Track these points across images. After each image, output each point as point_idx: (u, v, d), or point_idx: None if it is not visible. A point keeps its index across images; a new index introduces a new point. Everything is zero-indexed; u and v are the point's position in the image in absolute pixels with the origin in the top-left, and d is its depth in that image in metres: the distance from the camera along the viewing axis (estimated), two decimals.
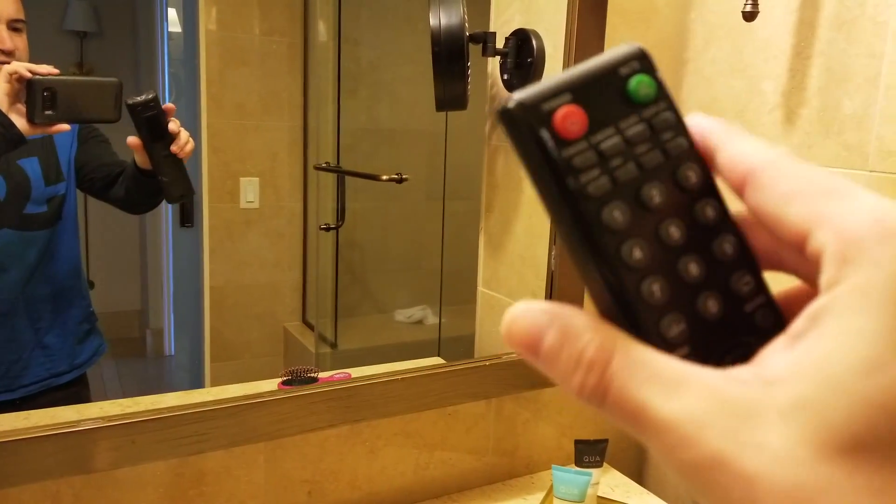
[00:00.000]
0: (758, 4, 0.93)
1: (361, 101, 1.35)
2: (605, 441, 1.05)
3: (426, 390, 0.97)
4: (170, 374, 1.21)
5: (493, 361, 1.03)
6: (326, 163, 1.27)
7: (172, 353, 1.20)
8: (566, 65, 1.02)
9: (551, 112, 0.17)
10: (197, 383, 1.15)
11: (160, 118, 0.85)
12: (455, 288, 1.36)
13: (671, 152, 0.18)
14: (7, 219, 0.86)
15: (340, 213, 1.29)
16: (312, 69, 1.22)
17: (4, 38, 0.81)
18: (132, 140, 0.86)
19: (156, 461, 0.81)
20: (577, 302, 1.11)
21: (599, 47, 1.03)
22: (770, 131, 1.02)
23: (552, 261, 1.06)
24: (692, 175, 0.18)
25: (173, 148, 0.87)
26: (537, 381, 1.07)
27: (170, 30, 1.12)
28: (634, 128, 0.18)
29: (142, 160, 0.88)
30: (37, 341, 0.90)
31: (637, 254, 0.17)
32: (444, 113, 1.21)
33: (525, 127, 0.17)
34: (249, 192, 1.17)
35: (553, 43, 1.06)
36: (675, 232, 0.17)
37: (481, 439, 1.10)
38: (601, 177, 0.17)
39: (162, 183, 0.89)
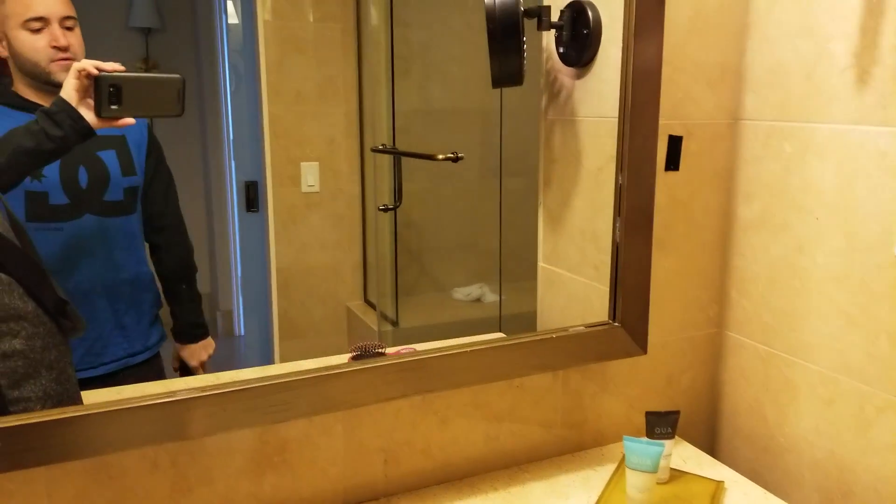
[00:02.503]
0: None
1: (414, 83, 1.36)
2: (677, 413, 1.04)
3: (493, 362, 0.97)
4: (240, 354, 1.25)
5: (559, 334, 1.03)
6: (382, 145, 1.28)
7: (242, 333, 1.23)
8: (626, 34, 1.00)
9: None
10: (266, 361, 1.20)
11: None
12: (513, 265, 1.36)
13: None
14: (89, 205, 0.92)
15: (397, 194, 1.31)
16: (365, 53, 1.24)
17: (58, 35, 0.86)
18: None
19: (243, 429, 0.85)
20: (643, 273, 1.09)
21: (660, 15, 1.00)
22: (841, 93, 0.98)
23: (616, 233, 1.05)
24: None
25: None
26: (603, 353, 1.07)
27: (228, 22, 1.16)
28: None
29: None
30: (116, 321, 0.96)
31: None
32: (497, 90, 1.20)
33: None
34: (310, 176, 1.20)
35: (609, 13, 1.04)
36: None
37: (549, 412, 1.10)
38: None
39: None
